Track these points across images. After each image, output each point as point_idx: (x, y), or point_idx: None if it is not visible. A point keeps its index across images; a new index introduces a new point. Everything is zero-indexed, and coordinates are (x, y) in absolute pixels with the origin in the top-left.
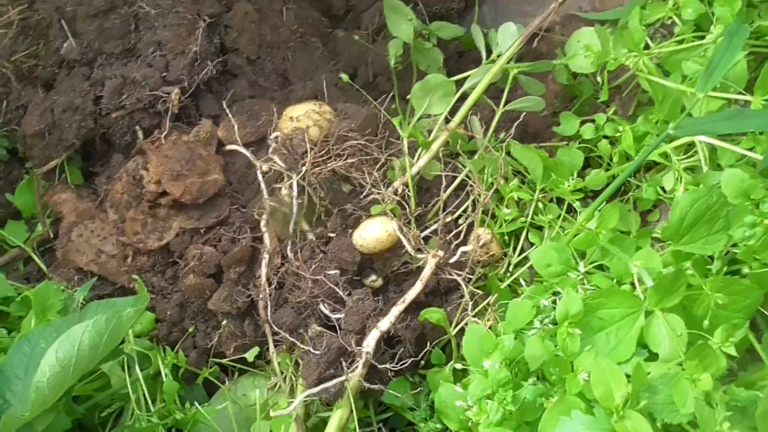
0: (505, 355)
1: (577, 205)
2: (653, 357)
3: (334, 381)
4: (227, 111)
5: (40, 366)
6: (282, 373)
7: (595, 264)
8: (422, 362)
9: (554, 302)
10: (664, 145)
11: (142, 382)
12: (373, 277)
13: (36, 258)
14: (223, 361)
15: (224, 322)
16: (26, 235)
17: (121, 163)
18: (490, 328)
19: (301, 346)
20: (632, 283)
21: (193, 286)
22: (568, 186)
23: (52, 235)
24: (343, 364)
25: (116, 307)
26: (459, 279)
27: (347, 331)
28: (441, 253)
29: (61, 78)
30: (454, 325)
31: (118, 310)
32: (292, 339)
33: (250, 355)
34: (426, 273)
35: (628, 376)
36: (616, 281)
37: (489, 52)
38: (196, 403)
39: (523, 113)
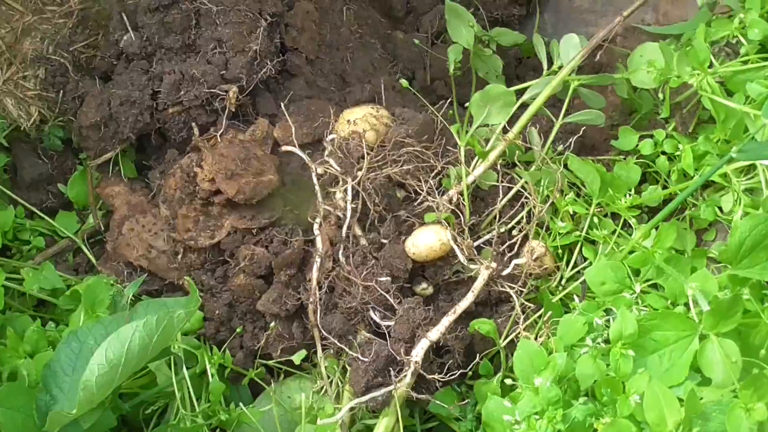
0: (556, 373)
1: (633, 221)
2: (706, 382)
3: (383, 390)
4: (284, 111)
5: (89, 365)
6: (328, 377)
7: (650, 283)
8: (470, 373)
9: (607, 321)
10: (724, 166)
11: (188, 380)
12: (424, 285)
13: (86, 250)
14: (270, 362)
15: (272, 324)
16: (77, 226)
17: (176, 159)
18: (541, 343)
19: (350, 352)
20: (687, 305)
21: (242, 286)
22: (625, 202)
23: (102, 228)
24: (391, 372)
25: (167, 307)
26: (511, 291)
27: (396, 339)
28: (494, 264)
29: (119, 71)
30: (503, 337)
31: (168, 311)
32: (340, 345)
33: (297, 357)
34: (478, 284)
35: (680, 400)
36: (671, 302)
37: (550, 62)
38: (241, 404)
39: (584, 127)
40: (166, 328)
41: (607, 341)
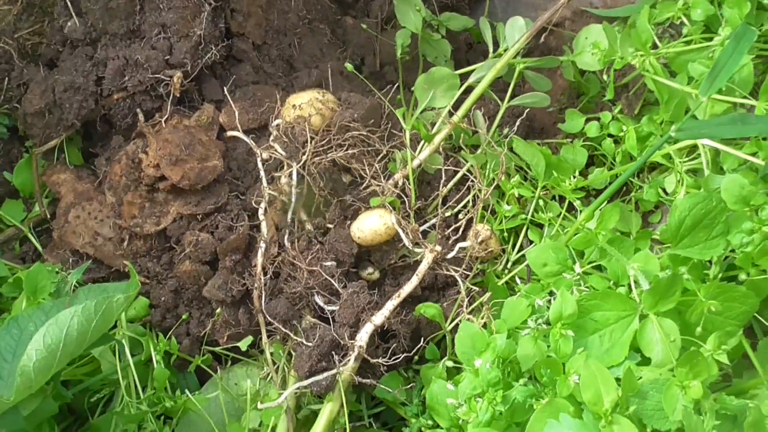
0: (496, 354)
1: (578, 204)
2: (646, 361)
3: (326, 374)
4: (228, 98)
5: (27, 350)
6: (274, 363)
7: (594, 264)
8: (416, 357)
9: (549, 302)
10: (667, 147)
11: (132, 368)
12: (370, 269)
13: (32, 238)
14: (216, 349)
15: (218, 310)
16: (23, 214)
17: (121, 146)
18: (484, 326)
19: (294, 337)
20: (629, 285)
21: (188, 273)
22: (570, 184)
23: (49, 216)
24: (336, 357)
25: (107, 292)
26: (456, 275)
27: (341, 323)
28: (438, 248)
29: (64, 57)
30: (449, 321)
31: (108, 296)
32: (285, 330)
33: (244, 344)
34: (422, 268)
35: (618, 379)
36: (613, 283)
37: (496, 45)
38: (186, 391)
39: (528, 109)
40: (106, 313)
41: (548, 323)
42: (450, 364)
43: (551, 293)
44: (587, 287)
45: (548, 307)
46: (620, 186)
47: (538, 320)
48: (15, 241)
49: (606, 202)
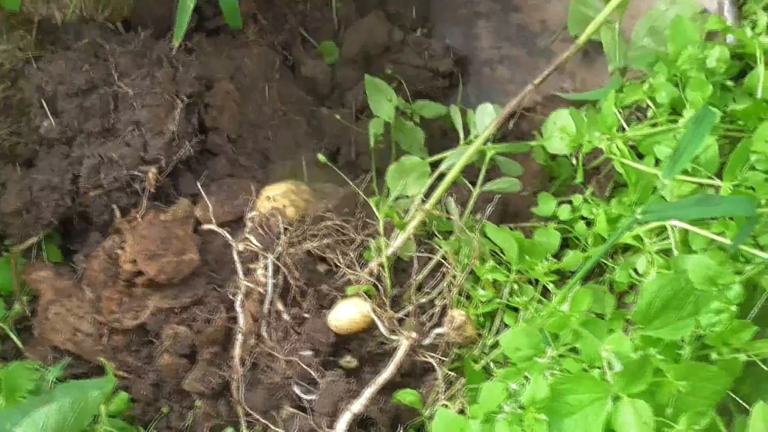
0: None
1: (551, 287)
2: None
3: None
4: (202, 192)
5: None
6: None
7: (569, 347)
8: None
9: (524, 386)
10: (636, 228)
11: None
12: (348, 358)
13: (13, 336)
14: None
15: (198, 403)
16: (4, 312)
17: (99, 242)
18: (461, 411)
19: (274, 428)
20: (603, 368)
21: (167, 366)
22: (543, 268)
23: (29, 313)
24: None
25: (84, 389)
26: (433, 361)
27: (319, 413)
28: (414, 335)
29: (40, 156)
30: (428, 406)
31: (83, 393)
32: (264, 421)
33: None
34: (399, 355)
35: None
36: (587, 365)
37: (467, 132)
38: None
39: (500, 195)
40: (83, 410)
41: (523, 407)
42: None
43: (526, 377)
44: (561, 370)
45: (523, 392)
46: (591, 268)
47: (513, 405)
48: None
49: (579, 284)
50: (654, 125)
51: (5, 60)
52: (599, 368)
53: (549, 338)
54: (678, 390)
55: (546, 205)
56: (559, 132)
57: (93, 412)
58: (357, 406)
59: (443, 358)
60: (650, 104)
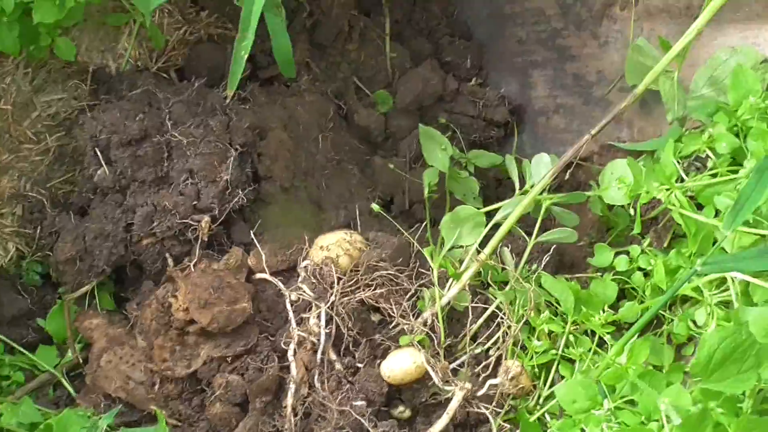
0: None
1: (608, 338)
2: None
3: None
4: (255, 241)
5: None
6: None
7: (626, 399)
8: None
9: None
10: (696, 280)
11: None
12: (401, 408)
13: (65, 383)
14: None
15: None
16: (57, 360)
17: (151, 290)
18: None
19: None
20: (661, 421)
21: (219, 415)
22: (599, 319)
23: (82, 361)
24: None
25: None
26: (486, 412)
27: None
28: (468, 385)
29: (94, 205)
30: None
31: None
32: None
33: None
34: (453, 406)
35: None
36: (645, 418)
37: (522, 181)
38: None
39: (555, 245)
40: None
41: None
42: None
43: (583, 430)
44: (618, 423)
45: None
46: (650, 320)
47: None
48: (49, 386)
49: (637, 336)
50: (714, 176)
51: (60, 109)
52: (657, 421)
53: (606, 390)
54: None
55: (603, 255)
56: (616, 182)
57: None
58: None
59: (497, 410)
60: (710, 154)
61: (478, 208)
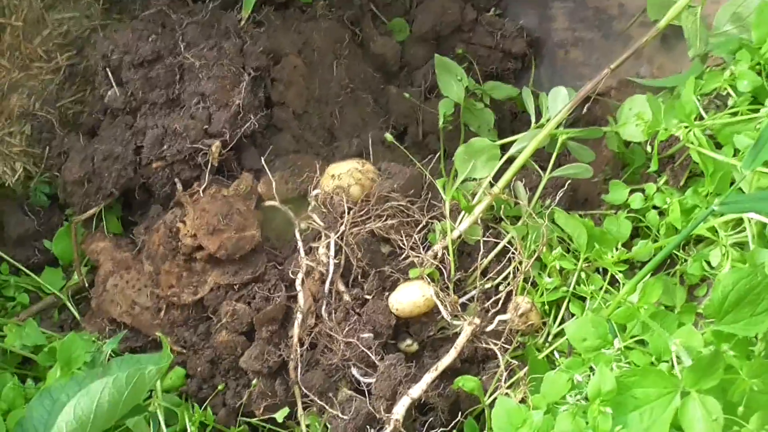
0: (533, 431)
1: (620, 276)
2: None
3: None
4: (266, 168)
5: (57, 422)
6: None
7: (637, 339)
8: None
9: (589, 378)
10: (712, 220)
11: None
12: (409, 341)
13: (71, 306)
14: (253, 420)
15: (255, 381)
16: (62, 282)
17: (160, 215)
18: (522, 400)
19: (330, 410)
20: (672, 362)
21: (225, 343)
22: (612, 257)
23: (87, 284)
24: (371, 431)
25: (140, 363)
26: (495, 348)
27: (377, 396)
28: (477, 321)
29: (104, 126)
30: (489, 394)
31: (140, 368)
32: (321, 402)
33: (280, 415)
34: (461, 341)
35: None
36: (655, 358)
37: (539, 115)
38: None
39: (570, 180)
40: (137, 385)
41: (587, 398)
42: None
43: (591, 368)
44: (628, 363)
45: (587, 384)
46: (664, 259)
47: (577, 396)
48: (54, 309)
49: (649, 275)
50: (734, 114)
51: (72, 27)
52: (667, 362)
53: (616, 329)
54: (750, 388)
55: (617, 193)
56: (634, 118)
57: (148, 387)
58: (416, 391)
59: (506, 346)
60: (731, 92)
61: (493, 141)
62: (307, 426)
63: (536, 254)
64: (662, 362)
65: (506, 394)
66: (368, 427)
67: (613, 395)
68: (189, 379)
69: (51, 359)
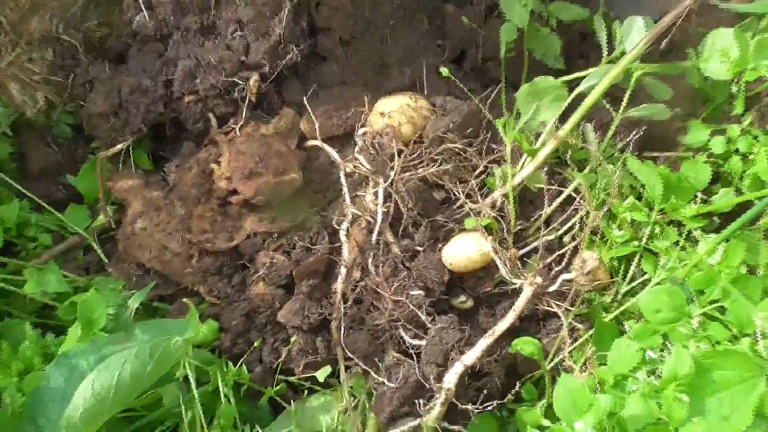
0: (600, 417)
1: (698, 233)
2: None
3: (408, 424)
4: (308, 105)
5: (74, 397)
6: (354, 398)
7: (715, 305)
8: (511, 397)
9: (662, 355)
10: None
11: (197, 401)
12: (463, 297)
13: (96, 248)
14: (291, 379)
15: (294, 337)
16: (88, 221)
17: (192, 152)
18: (585, 367)
19: (375, 375)
20: (755, 336)
21: (261, 296)
22: (690, 210)
23: (114, 225)
24: (420, 401)
25: (166, 330)
26: (558, 311)
27: (427, 362)
28: (539, 280)
29: (132, 53)
30: (549, 359)
31: (165, 339)
32: (365, 366)
33: (321, 374)
34: (520, 303)
35: None
36: (737, 331)
37: (611, 46)
38: (257, 426)
39: (646, 120)
40: (162, 357)
41: (659, 376)
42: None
43: (664, 336)
44: (706, 336)
45: (661, 360)
46: (751, 219)
47: (649, 373)
48: (78, 249)
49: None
50: None
51: None
52: (750, 336)
53: (693, 294)
54: None
55: (697, 134)
56: (719, 54)
57: (173, 360)
58: (470, 357)
59: (569, 308)
60: None
61: (559, 70)
62: (351, 388)
63: (606, 205)
64: (744, 336)
65: (568, 367)
66: (417, 396)
67: (690, 379)
68: (223, 334)
69: (72, 312)
